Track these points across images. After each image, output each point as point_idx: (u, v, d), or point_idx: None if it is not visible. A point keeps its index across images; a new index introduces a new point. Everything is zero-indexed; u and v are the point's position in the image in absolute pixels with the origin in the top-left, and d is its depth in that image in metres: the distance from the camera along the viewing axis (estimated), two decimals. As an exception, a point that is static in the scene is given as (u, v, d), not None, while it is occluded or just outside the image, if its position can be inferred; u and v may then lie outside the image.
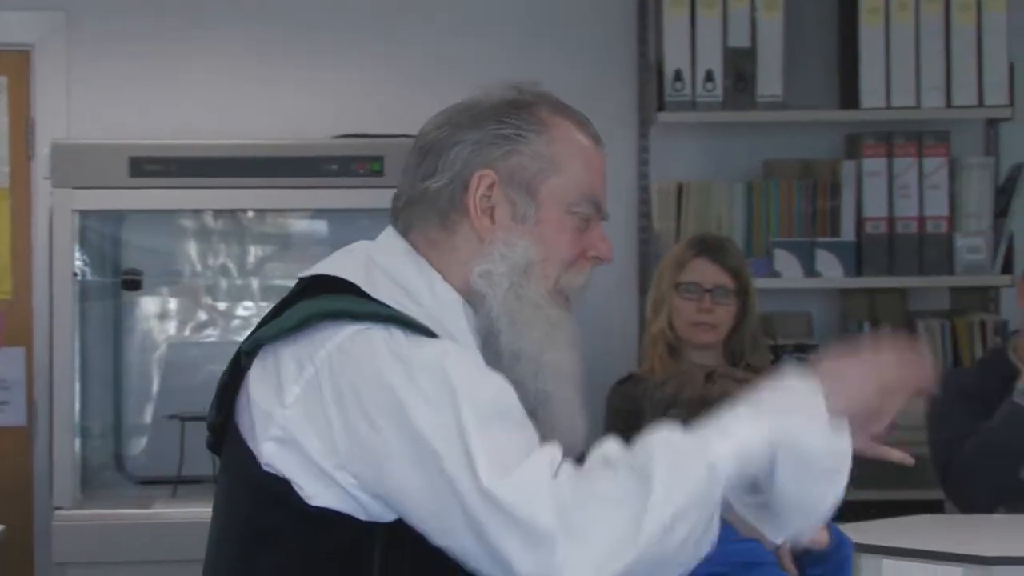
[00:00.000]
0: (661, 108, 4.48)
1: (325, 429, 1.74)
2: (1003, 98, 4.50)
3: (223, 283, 4.57)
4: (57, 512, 4.08)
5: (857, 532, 2.58)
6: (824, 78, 4.66)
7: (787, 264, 4.46)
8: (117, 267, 4.48)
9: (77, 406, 4.20)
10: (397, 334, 1.75)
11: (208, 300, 4.58)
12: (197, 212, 4.43)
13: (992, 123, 4.65)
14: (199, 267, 4.57)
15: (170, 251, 4.55)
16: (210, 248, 4.56)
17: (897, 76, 4.48)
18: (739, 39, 4.48)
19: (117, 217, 4.42)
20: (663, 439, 1.71)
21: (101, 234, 4.41)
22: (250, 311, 4.56)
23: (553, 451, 1.71)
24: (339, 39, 4.65)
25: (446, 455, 1.68)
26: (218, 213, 4.46)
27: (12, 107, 4.59)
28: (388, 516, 1.74)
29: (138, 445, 4.52)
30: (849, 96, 4.56)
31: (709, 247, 3.86)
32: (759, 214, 4.53)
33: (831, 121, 4.60)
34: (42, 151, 4.41)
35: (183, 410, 4.26)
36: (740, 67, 4.47)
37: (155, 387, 4.53)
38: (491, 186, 1.86)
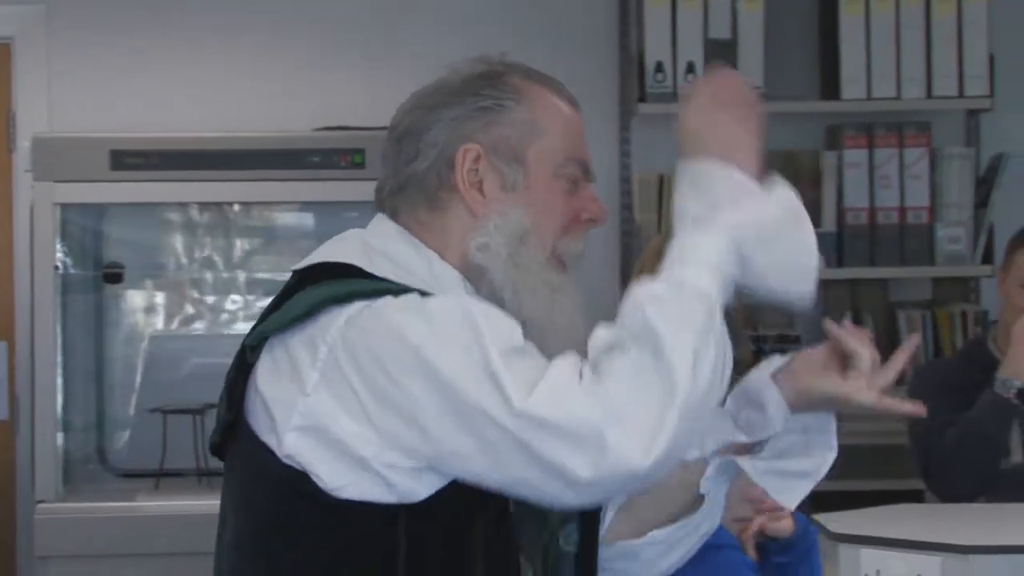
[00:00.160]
0: (642, 100, 4.48)
1: (355, 406, 1.71)
2: (983, 89, 4.51)
3: (205, 276, 4.57)
4: (39, 506, 4.09)
5: (836, 521, 2.60)
6: (805, 69, 4.67)
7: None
8: (99, 260, 4.48)
9: (59, 400, 4.20)
10: (407, 296, 1.74)
11: (190, 293, 4.59)
12: (178, 205, 4.42)
13: (972, 114, 4.66)
14: (181, 260, 4.57)
15: (152, 244, 4.55)
16: (192, 241, 4.56)
17: (878, 67, 4.49)
18: (720, 31, 4.48)
19: (98, 210, 4.41)
20: (646, 296, 1.71)
21: (82, 227, 4.41)
22: (234, 304, 4.56)
23: (572, 358, 1.71)
24: (319, 32, 4.65)
25: (477, 393, 1.67)
26: (200, 206, 4.46)
27: (-8, 100, 4.58)
28: (420, 493, 1.72)
29: (120, 438, 4.52)
30: (830, 87, 4.57)
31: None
32: (740, 205, 4.53)
33: (812, 112, 4.61)
34: (23, 144, 4.41)
35: (165, 403, 4.27)
36: (721, 59, 4.47)
37: (137, 380, 4.53)
38: (477, 159, 1.85)
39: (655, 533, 1.96)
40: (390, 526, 1.73)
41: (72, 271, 4.34)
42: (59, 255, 4.19)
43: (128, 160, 4.08)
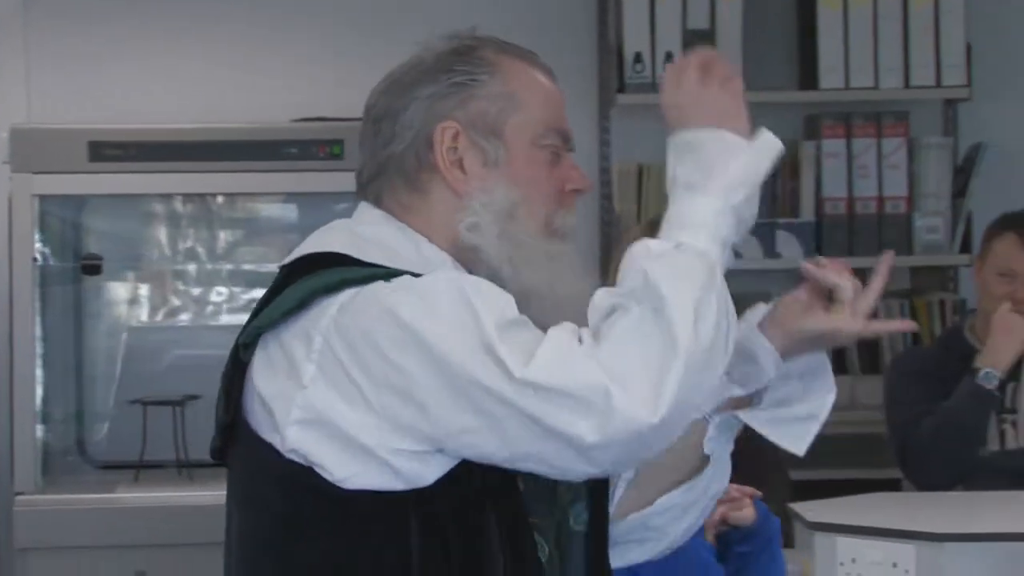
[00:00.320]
0: (621, 90, 4.48)
1: (354, 393, 1.69)
2: (961, 78, 4.52)
3: (184, 268, 4.56)
4: (18, 497, 4.08)
5: (812, 510, 2.61)
6: (783, 59, 4.68)
7: (747, 245, 4.48)
8: (78, 252, 4.47)
9: (38, 391, 4.19)
10: (398, 279, 1.72)
11: (170, 285, 4.58)
12: (157, 196, 4.41)
13: (950, 103, 4.67)
14: (160, 252, 4.56)
15: (130, 235, 4.54)
16: (171, 232, 4.55)
17: (855, 57, 4.50)
18: (698, 21, 4.49)
19: (77, 202, 4.40)
20: (643, 255, 1.71)
21: (61, 219, 4.40)
22: (214, 296, 4.55)
23: (568, 326, 1.69)
24: (297, 22, 4.64)
25: (473, 366, 1.65)
26: (178, 197, 4.46)
27: (-30, 92, 4.57)
28: (427, 478, 1.69)
29: (100, 430, 4.51)
30: (808, 77, 4.57)
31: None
32: (719, 195, 4.54)
33: (790, 102, 4.61)
34: (0, 135, 4.39)
35: (145, 395, 4.26)
36: (700, 49, 4.48)
37: (117, 372, 4.52)
38: (455, 136, 1.82)
39: (664, 499, 1.94)
40: (400, 513, 1.70)
41: (51, 263, 4.33)
42: (38, 247, 4.18)
43: (106, 151, 4.07)
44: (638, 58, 4.48)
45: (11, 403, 4.18)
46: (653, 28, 4.47)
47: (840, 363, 4.38)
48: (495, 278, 1.79)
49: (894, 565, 2.43)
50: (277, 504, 1.75)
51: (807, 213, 4.50)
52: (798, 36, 4.67)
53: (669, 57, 4.46)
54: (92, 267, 4.41)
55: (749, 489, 2.65)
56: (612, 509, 1.94)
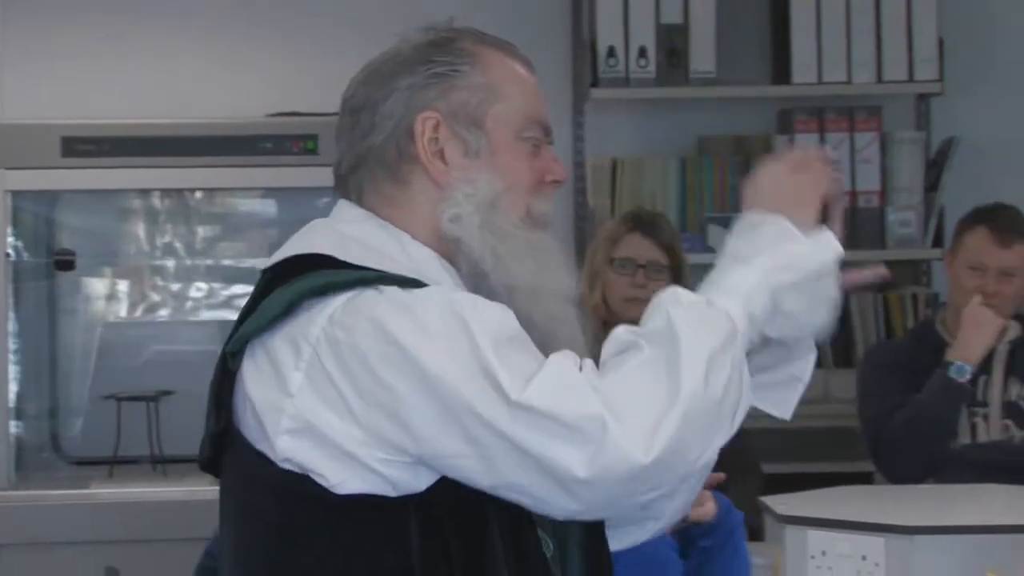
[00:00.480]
0: (595, 84, 4.49)
1: (340, 405, 1.67)
2: (933, 73, 4.54)
3: (158, 263, 4.56)
4: (-8, 494, 4.07)
5: (783, 503, 2.62)
6: (756, 54, 4.69)
7: (721, 240, 4.40)
8: (51, 247, 4.45)
9: (12, 387, 4.18)
10: (388, 289, 1.70)
11: (143, 280, 4.57)
12: (131, 192, 4.41)
13: (923, 98, 4.69)
14: (134, 247, 4.55)
15: (104, 231, 4.53)
16: (144, 228, 4.54)
17: (828, 52, 4.51)
18: (672, 15, 4.50)
19: (50, 197, 4.39)
20: (671, 301, 1.71)
21: (34, 214, 4.39)
22: (187, 291, 4.55)
23: (569, 353, 1.69)
24: (270, 18, 4.64)
25: (468, 389, 1.63)
26: (152, 192, 4.45)
27: (-58, 87, 4.55)
28: (419, 485, 1.68)
29: (74, 426, 4.50)
30: (781, 72, 4.59)
31: (643, 223, 3.88)
32: (693, 190, 4.56)
33: (763, 97, 4.63)
34: (-28, 131, 4.38)
35: (119, 390, 4.26)
36: (673, 43, 4.49)
37: (91, 367, 4.52)
38: (436, 127, 1.80)
39: None
40: (400, 516, 1.69)
41: (24, 258, 4.32)
42: (10, 242, 4.17)
43: (79, 147, 4.06)
44: (611, 52, 4.48)
45: (-16, 399, 4.17)
46: (627, 22, 4.48)
47: (813, 357, 4.39)
48: (477, 273, 1.78)
49: (864, 558, 2.45)
50: (271, 513, 1.73)
51: (780, 207, 4.51)
52: (771, 31, 4.68)
53: (643, 52, 4.47)
54: (65, 263, 4.40)
55: (713, 475, 2.66)
56: None
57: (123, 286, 4.57)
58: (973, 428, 3.77)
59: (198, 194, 4.48)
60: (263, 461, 1.72)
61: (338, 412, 1.67)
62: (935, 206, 4.55)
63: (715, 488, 2.69)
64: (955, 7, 4.64)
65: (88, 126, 4.11)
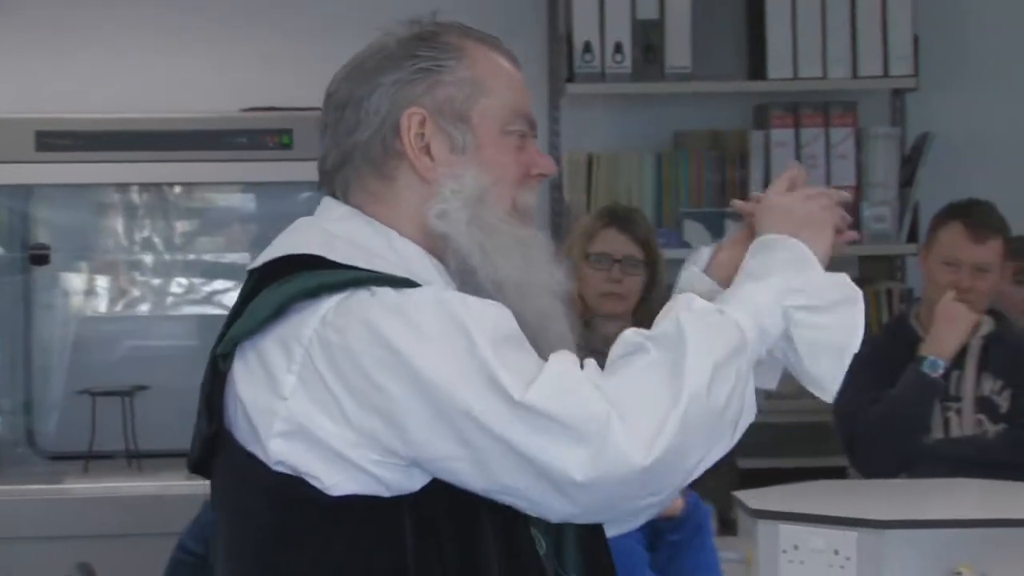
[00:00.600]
0: (571, 80, 4.49)
1: (334, 408, 1.66)
2: (908, 69, 4.56)
3: (133, 258, 4.55)
4: (-33, 489, 4.06)
5: (755, 498, 2.63)
6: (732, 49, 4.70)
7: (696, 234, 4.50)
8: (26, 242, 4.44)
9: (-14, 382, 4.18)
10: (381, 290, 1.68)
11: (118, 275, 4.56)
12: (106, 186, 4.40)
13: (898, 93, 4.70)
14: (109, 242, 4.54)
15: (79, 225, 4.52)
16: (120, 222, 4.54)
17: (803, 47, 4.52)
18: (647, 11, 4.50)
19: (25, 192, 4.38)
20: (683, 307, 1.72)
21: (9, 209, 4.38)
22: (166, 286, 4.54)
23: (568, 354, 1.69)
24: (246, 11, 4.63)
25: (465, 391, 1.62)
26: (128, 187, 4.44)
27: (-84, 81, 4.53)
28: (412, 486, 1.68)
29: (49, 421, 4.49)
30: (756, 67, 4.60)
31: (618, 218, 3.88)
32: (669, 185, 4.57)
33: (739, 92, 4.64)
34: (-53, 125, 4.36)
35: (94, 385, 4.25)
36: (649, 39, 4.50)
37: (66, 362, 4.51)
38: (422, 122, 1.79)
39: None
40: (394, 516, 1.68)
41: (-1, 253, 4.32)
42: (-16, 234, 4.16)
43: (54, 141, 4.05)
44: (587, 47, 4.49)
45: (-41, 394, 4.16)
46: (602, 17, 4.48)
47: (788, 352, 4.40)
48: (465, 267, 1.78)
49: (836, 552, 2.45)
50: (264, 515, 1.72)
51: (756, 202, 4.52)
52: (747, 26, 4.69)
53: (618, 47, 4.48)
54: (40, 257, 4.39)
55: None
56: None
57: (99, 281, 4.56)
58: (946, 423, 3.78)
59: (176, 189, 4.48)
60: (255, 463, 1.71)
61: (331, 414, 1.67)
62: (910, 201, 4.57)
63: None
64: (930, 3, 4.66)
65: (62, 120, 4.10)
